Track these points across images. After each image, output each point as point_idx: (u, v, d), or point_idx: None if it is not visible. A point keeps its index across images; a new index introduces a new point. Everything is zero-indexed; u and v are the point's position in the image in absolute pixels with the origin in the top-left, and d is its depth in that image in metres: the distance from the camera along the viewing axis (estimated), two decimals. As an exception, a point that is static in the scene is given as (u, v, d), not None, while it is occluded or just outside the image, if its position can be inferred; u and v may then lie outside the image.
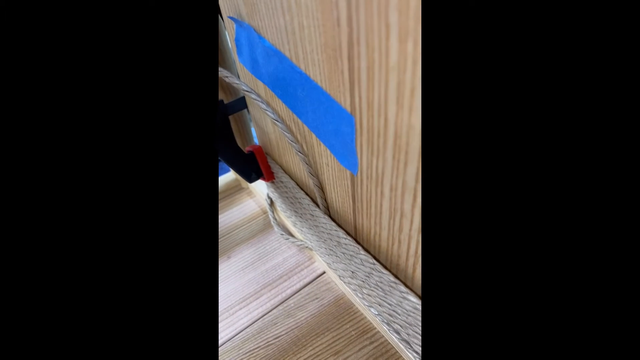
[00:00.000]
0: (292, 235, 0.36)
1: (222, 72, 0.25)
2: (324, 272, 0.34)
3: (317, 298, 0.32)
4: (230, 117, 0.38)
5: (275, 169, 0.33)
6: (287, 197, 0.33)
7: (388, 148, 0.17)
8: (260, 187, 0.41)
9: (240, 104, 0.32)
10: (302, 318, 0.30)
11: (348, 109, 0.18)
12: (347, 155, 0.21)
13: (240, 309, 0.32)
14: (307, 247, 0.34)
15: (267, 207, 0.38)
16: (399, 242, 0.21)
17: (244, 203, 0.43)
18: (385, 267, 0.23)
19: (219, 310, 0.32)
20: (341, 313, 0.30)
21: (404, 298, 0.22)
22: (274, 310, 0.31)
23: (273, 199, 0.37)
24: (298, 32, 0.19)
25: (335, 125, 0.20)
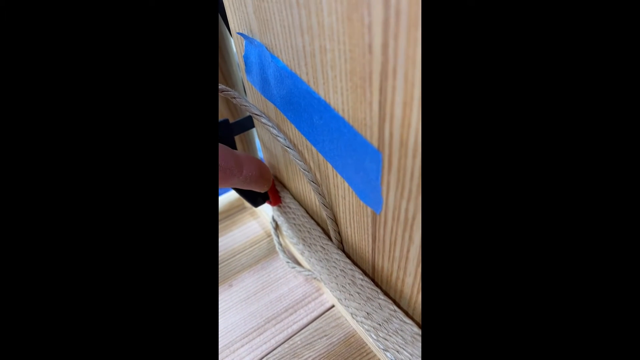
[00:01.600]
0: (298, 264, 0.33)
1: (230, 93, 0.23)
2: (333, 306, 0.31)
3: (325, 335, 0.29)
4: (236, 136, 0.36)
5: (282, 193, 0.31)
6: (294, 224, 0.30)
7: (423, 193, 0.15)
8: (264, 208, 0.39)
9: (247, 123, 0.30)
10: (310, 359, 0.28)
11: (374, 144, 0.16)
12: (369, 193, 0.19)
13: (242, 346, 0.29)
14: (315, 277, 0.31)
15: (272, 231, 0.35)
16: (427, 291, 0.18)
17: (247, 224, 0.40)
18: (408, 315, 0.21)
19: (219, 348, 0.29)
20: (352, 353, 0.28)
21: (430, 353, 0.19)
22: (279, 349, 0.29)
23: (279, 223, 0.34)
24: (319, 56, 0.17)
25: (357, 159, 0.18)
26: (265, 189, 0.27)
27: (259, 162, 0.26)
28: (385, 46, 0.13)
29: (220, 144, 0.23)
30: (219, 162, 0.22)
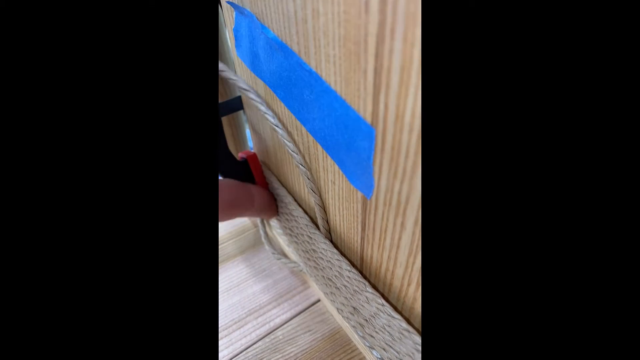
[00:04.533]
0: (285, 256, 0.32)
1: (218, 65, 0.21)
2: (319, 300, 0.30)
3: (309, 330, 0.28)
4: (224, 119, 0.34)
5: (270, 179, 0.29)
6: (282, 213, 0.29)
7: (418, 173, 0.13)
8: (252, 197, 0.37)
9: (235, 104, 0.29)
10: (291, 354, 0.26)
11: (368, 119, 0.15)
12: (360, 175, 0.17)
13: (221, 338, 0.28)
14: (301, 270, 0.30)
15: (258, 221, 0.34)
16: (418, 284, 0.17)
17: (234, 213, 0.39)
18: (397, 310, 0.19)
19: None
20: (336, 350, 0.27)
21: (418, 351, 0.18)
22: (260, 343, 0.27)
23: (266, 212, 0.33)
24: (311, 21, 0.15)
25: (349, 137, 0.17)
26: (273, 217, 0.28)
27: (267, 192, 0.28)
28: (383, 3, 0.11)
29: (231, 180, 0.25)
30: (233, 198, 0.23)
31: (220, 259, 0.34)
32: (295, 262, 0.30)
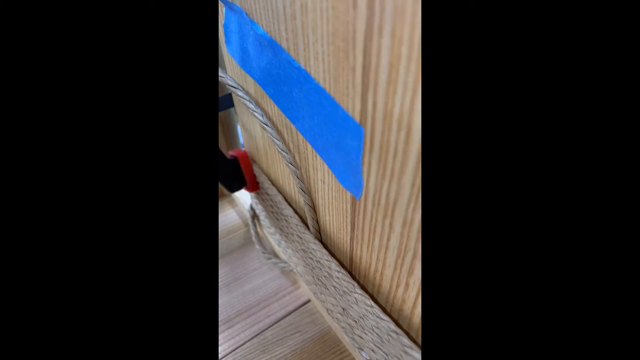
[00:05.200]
0: (275, 255, 0.32)
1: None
2: (309, 301, 0.29)
3: (299, 331, 0.27)
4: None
5: (261, 178, 0.29)
6: (272, 212, 0.29)
7: (407, 173, 0.13)
8: (243, 196, 0.37)
9: (226, 101, 0.28)
10: (281, 355, 0.26)
11: (357, 117, 0.14)
12: (349, 175, 0.17)
13: (209, 339, 0.27)
14: (291, 270, 0.30)
15: (249, 220, 0.33)
16: (407, 285, 0.17)
17: (225, 212, 0.38)
18: (385, 312, 0.19)
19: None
20: (326, 351, 0.26)
21: (406, 352, 0.18)
22: (248, 344, 0.27)
23: (257, 211, 0.33)
24: (299, 17, 0.15)
25: (338, 136, 0.16)
26: None
27: None
28: (371, -1, 0.11)
29: None
30: None
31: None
32: (285, 262, 0.30)
